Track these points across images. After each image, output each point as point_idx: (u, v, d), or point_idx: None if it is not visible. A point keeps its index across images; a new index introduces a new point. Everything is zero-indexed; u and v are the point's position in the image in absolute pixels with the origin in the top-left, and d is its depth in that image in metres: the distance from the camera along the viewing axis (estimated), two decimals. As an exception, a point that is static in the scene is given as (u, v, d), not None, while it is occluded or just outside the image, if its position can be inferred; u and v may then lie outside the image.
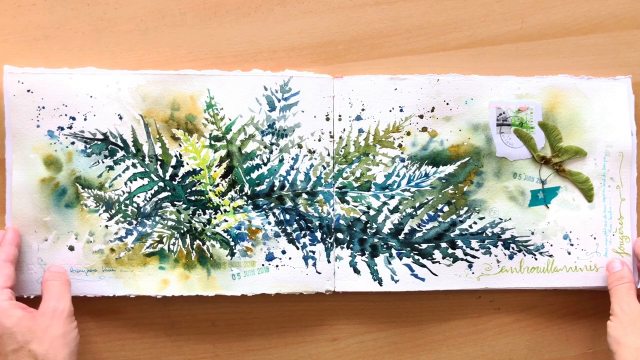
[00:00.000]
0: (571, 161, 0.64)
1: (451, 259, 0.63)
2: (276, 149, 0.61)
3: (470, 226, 0.63)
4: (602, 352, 0.66)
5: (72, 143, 0.60)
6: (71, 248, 0.60)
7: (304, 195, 0.62)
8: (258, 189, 0.62)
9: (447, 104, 0.63)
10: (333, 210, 0.62)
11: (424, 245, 0.63)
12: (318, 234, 0.62)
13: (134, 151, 0.61)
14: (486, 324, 0.65)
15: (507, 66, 0.64)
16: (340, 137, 0.62)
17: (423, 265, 0.63)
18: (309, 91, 0.62)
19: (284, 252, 0.62)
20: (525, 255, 0.64)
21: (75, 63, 0.61)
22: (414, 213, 0.63)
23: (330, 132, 0.62)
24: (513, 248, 0.64)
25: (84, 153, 0.60)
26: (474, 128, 0.63)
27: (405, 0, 0.63)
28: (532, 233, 0.64)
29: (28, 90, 0.59)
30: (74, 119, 0.60)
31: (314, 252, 0.62)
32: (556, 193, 0.64)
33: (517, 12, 0.64)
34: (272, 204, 0.62)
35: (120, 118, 0.60)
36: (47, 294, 0.56)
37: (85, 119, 0.60)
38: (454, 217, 0.63)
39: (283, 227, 0.62)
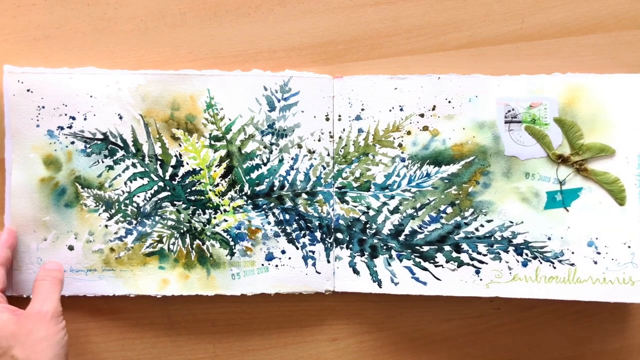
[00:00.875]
0: (595, 160, 0.59)
1: (456, 263, 0.60)
2: (276, 149, 0.61)
3: (477, 229, 0.60)
4: (602, 352, 0.66)
5: (72, 143, 0.60)
6: (71, 248, 0.60)
7: (304, 195, 0.62)
8: (258, 188, 0.62)
9: (449, 102, 0.61)
10: (333, 210, 0.62)
11: (425, 248, 0.61)
12: (318, 234, 0.62)
13: (134, 151, 0.61)
14: (486, 324, 0.65)
15: (507, 66, 0.64)
16: (340, 137, 0.62)
17: (425, 269, 0.61)
18: (309, 91, 0.62)
19: (283, 252, 0.62)
20: (541, 263, 0.59)
21: (75, 63, 0.61)
22: (415, 214, 0.61)
23: (330, 132, 0.62)
24: (527, 254, 0.60)
25: (83, 153, 0.60)
26: (479, 126, 0.61)
27: (405, 0, 0.63)
28: (549, 238, 0.59)
29: (28, 90, 0.59)
30: (73, 118, 0.60)
31: (313, 252, 0.62)
32: (577, 195, 0.59)
33: (517, 12, 0.64)
34: (272, 204, 0.62)
35: (120, 118, 0.60)
36: (34, 294, 0.55)
37: (85, 119, 0.60)
38: (458, 219, 0.61)
39: (283, 227, 0.62)
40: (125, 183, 0.61)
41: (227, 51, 0.63)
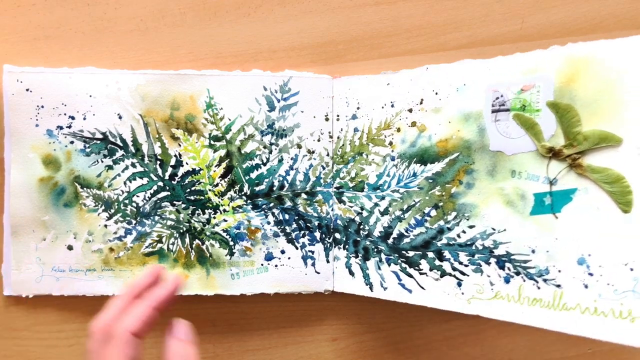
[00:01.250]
0: (594, 152, 0.46)
1: (439, 273, 0.55)
2: (275, 149, 0.61)
3: (459, 235, 0.53)
4: (602, 352, 0.66)
5: (71, 142, 0.60)
6: (70, 247, 0.60)
7: (303, 195, 0.62)
8: (257, 188, 0.62)
9: (437, 93, 0.56)
10: (332, 210, 0.62)
11: (410, 253, 0.57)
12: (317, 234, 0.62)
13: (134, 151, 0.61)
14: (486, 324, 0.65)
15: (507, 66, 0.64)
16: (338, 137, 0.62)
17: (410, 275, 0.57)
18: (309, 91, 0.62)
19: (283, 251, 0.61)
20: (524, 281, 0.49)
21: (75, 63, 0.61)
22: (402, 216, 0.58)
23: (329, 132, 0.62)
24: (509, 268, 0.51)
25: (83, 152, 0.60)
26: (465, 118, 0.53)
27: (405, 0, 0.63)
28: (533, 251, 0.49)
29: (27, 90, 0.59)
30: (73, 118, 0.60)
31: (312, 252, 0.61)
32: (570, 197, 0.47)
33: (517, 12, 0.64)
34: (272, 204, 0.62)
35: (120, 118, 0.60)
36: None
37: (84, 119, 0.60)
38: (441, 223, 0.54)
39: (282, 227, 0.62)
40: (125, 183, 0.61)
41: (227, 51, 0.63)
